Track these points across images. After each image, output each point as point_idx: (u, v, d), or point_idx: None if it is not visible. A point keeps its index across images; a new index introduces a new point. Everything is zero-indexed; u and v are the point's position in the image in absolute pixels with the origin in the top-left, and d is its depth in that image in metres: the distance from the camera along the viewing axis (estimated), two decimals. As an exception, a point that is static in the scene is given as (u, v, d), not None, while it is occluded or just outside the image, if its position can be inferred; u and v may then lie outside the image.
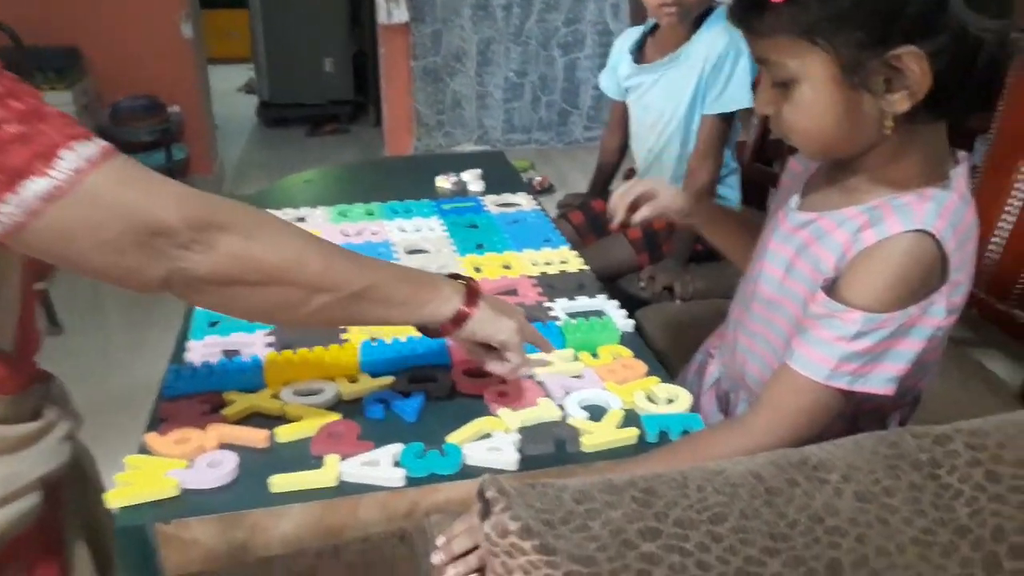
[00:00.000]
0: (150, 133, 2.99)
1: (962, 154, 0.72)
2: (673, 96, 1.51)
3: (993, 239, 1.09)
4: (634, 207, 0.93)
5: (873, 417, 0.79)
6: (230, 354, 0.92)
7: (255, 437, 0.79)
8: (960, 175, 0.71)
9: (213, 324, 0.99)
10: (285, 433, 0.79)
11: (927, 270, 0.68)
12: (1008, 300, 1.07)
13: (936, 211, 0.68)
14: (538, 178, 3.37)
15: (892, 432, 0.63)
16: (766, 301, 0.80)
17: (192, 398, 0.84)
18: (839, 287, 0.70)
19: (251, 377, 0.86)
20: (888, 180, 0.71)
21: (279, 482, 0.73)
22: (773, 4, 0.64)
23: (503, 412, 0.81)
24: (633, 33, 1.61)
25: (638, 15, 2.08)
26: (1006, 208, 1.08)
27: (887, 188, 0.70)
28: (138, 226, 0.59)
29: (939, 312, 0.68)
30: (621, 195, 0.93)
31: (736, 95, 1.44)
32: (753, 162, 1.74)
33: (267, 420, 0.81)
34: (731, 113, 1.47)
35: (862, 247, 0.69)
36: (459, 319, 0.75)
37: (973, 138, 1.97)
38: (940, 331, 0.69)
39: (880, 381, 0.69)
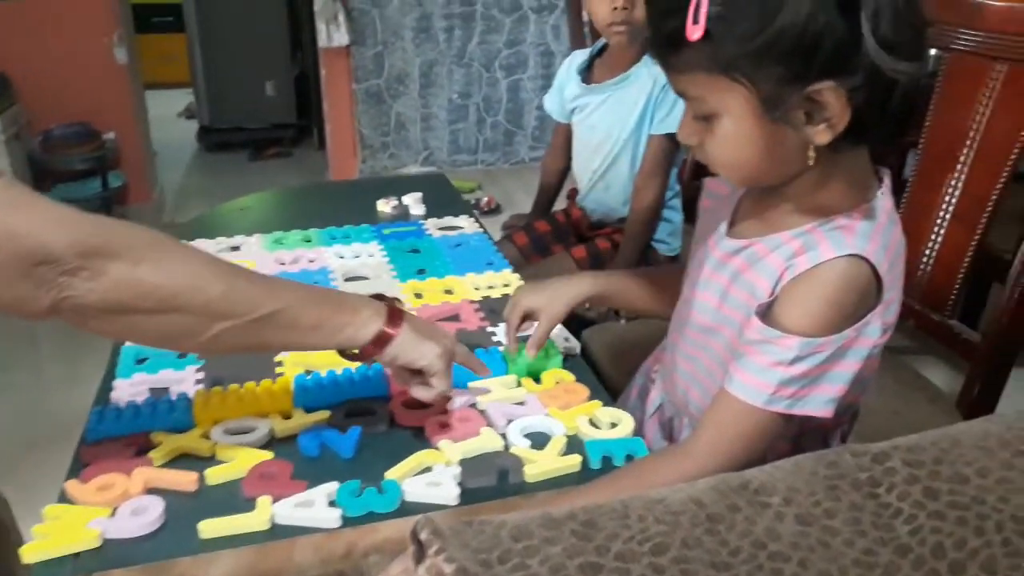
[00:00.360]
0: (84, 161, 2.91)
1: (884, 171, 0.73)
2: (620, 117, 1.51)
3: (925, 252, 1.11)
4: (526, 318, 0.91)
5: (815, 436, 0.79)
6: (158, 392, 0.89)
7: (183, 480, 0.75)
8: (885, 194, 0.72)
9: (141, 361, 0.95)
10: (215, 475, 0.76)
11: (862, 293, 0.68)
12: (943, 311, 1.09)
13: (867, 234, 0.68)
14: (485, 198, 3.36)
15: (832, 451, 0.62)
16: (703, 328, 0.79)
17: (116, 441, 0.80)
18: (774, 313, 0.69)
19: (179, 416, 0.83)
20: (817, 204, 0.71)
21: (208, 527, 0.70)
22: (689, 41, 0.63)
23: (444, 444, 0.79)
24: (581, 55, 1.61)
25: (578, 37, 2.09)
26: (936, 221, 1.10)
27: (817, 212, 0.71)
28: (22, 253, 0.56)
29: (874, 332, 0.69)
30: (507, 331, 0.92)
31: (677, 115, 1.45)
32: (692, 180, 1.75)
33: (196, 462, 0.78)
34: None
35: (796, 272, 0.68)
36: (380, 342, 0.73)
37: (905, 153, 2.03)
38: (876, 349, 0.70)
39: (819, 403, 0.69)
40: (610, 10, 1.38)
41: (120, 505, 0.72)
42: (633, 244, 1.52)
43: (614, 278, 0.96)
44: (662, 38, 0.67)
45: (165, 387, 0.90)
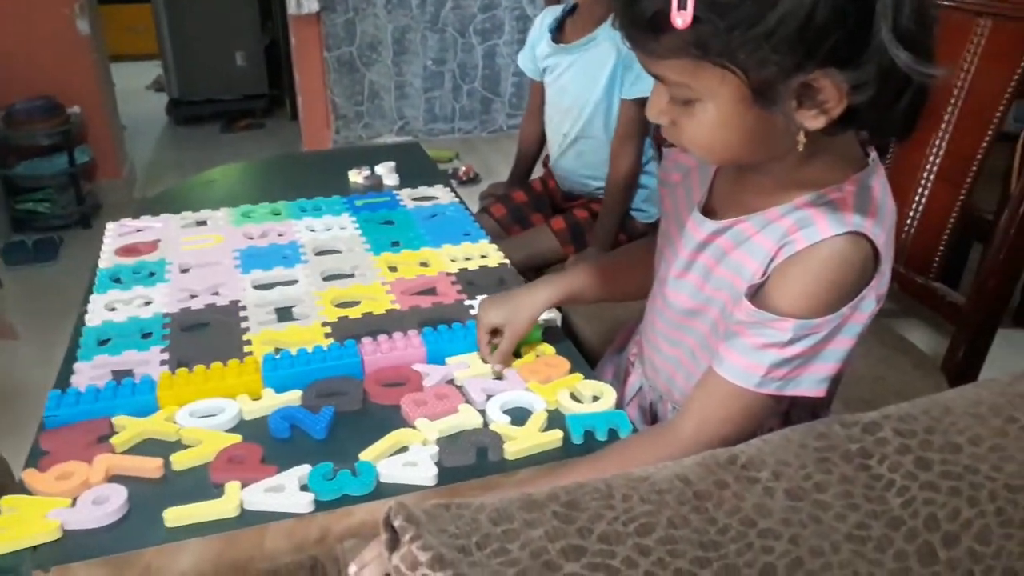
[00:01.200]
0: (49, 136, 2.82)
1: (870, 147, 0.69)
2: (589, 79, 1.47)
3: (910, 213, 1.09)
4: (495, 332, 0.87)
5: (805, 409, 0.77)
6: (120, 375, 0.85)
7: (147, 467, 0.72)
8: (876, 163, 0.68)
9: (103, 343, 0.91)
10: (181, 460, 0.73)
11: (860, 271, 0.64)
12: (927, 274, 1.08)
13: (864, 208, 0.64)
14: (463, 168, 3.31)
15: (821, 423, 0.60)
16: (686, 311, 0.76)
17: (77, 427, 0.77)
18: (768, 294, 0.66)
19: (143, 400, 0.79)
20: (804, 179, 0.66)
21: (174, 515, 0.67)
22: (674, 28, 0.56)
23: (420, 422, 0.76)
24: (554, 11, 1.57)
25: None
26: (921, 181, 1.08)
27: (805, 187, 0.66)
28: None
29: (869, 306, 0.66)
30: (480, 347, 0.87)
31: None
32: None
33: (161, 447, 0.75)
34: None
35: (792, 252, 0.64)
36: None
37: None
38: (867, 325, 0.67)
39: (811, 383, 0.66)
40: None
41: (81, 494, 0.69)
42: (611, 213, 1.49)
43: (577, 277, 0.90)
44: (638, 21, 0.59)
45: (128, 369, 0.86)
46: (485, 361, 0.86)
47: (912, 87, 0.58)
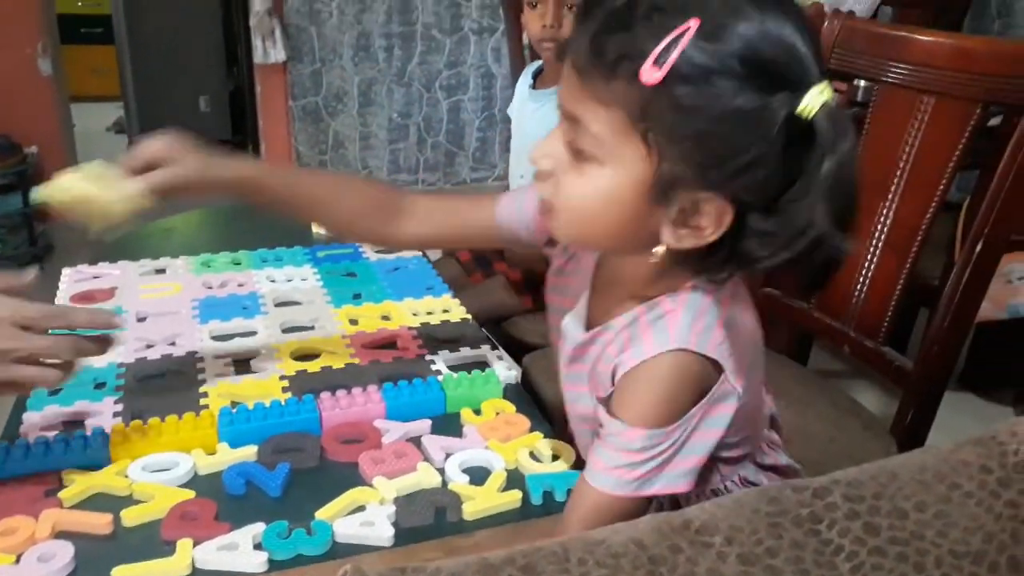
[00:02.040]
0: (4, 176, 2.78)
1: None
2: (548, 125, 1.50)
3: (859, 279, 1.13)
4: (147, 169, 0.77)
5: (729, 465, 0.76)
6: (72, 427, 0.83)
7: (96, 522, 0.70)
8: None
9: (54, 392, 0.89)
10: (131, 516, 0.71)
11: (696, 382, 0.62)
12: (876, 338, 1.11)
13: (688, 323, 0.62)
14: (425, 219, 3.33)
15: (773, 487, 0.62)
16: (582, 417, 0.74)
17: (24, 480, 0.75)
18: (614, 406, 0.65)
19: (95, 453, 0.78)
20: (652, 290, 0.64)
21: (123, 573, 0.65)
22: (636, 80, 0.54)
23: (378, 481, 0.75)
24: (539, 62, 1.63)
25: (517, 59, 2.09)
26: (870, 248, 1.12)
27: (647, 295, 0.65)
28: None
29: (728, 400, 0.64)
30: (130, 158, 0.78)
31: None
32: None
33: (112, 502, 0.73)
34: None
35: (626, 369, 0.63)
36: None
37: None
38: (736, 414, 0.65)
39: (670, 479, 0.64)
40: (540, 27, 1.43)
41: (26, 551, 0.67)
42: None
43: (260, 170, 0.85)
44: (599, 56, 0.56)
45: (80, 420, 0.85)
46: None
47: (816, 258, 0.55)
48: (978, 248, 0.98)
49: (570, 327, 0.72)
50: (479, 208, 0.82)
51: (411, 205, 0.83)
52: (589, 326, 0.70)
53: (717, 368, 0.63)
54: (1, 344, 0.67)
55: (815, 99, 0.53)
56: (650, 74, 0.53)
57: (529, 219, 0.77)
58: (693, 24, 0.52)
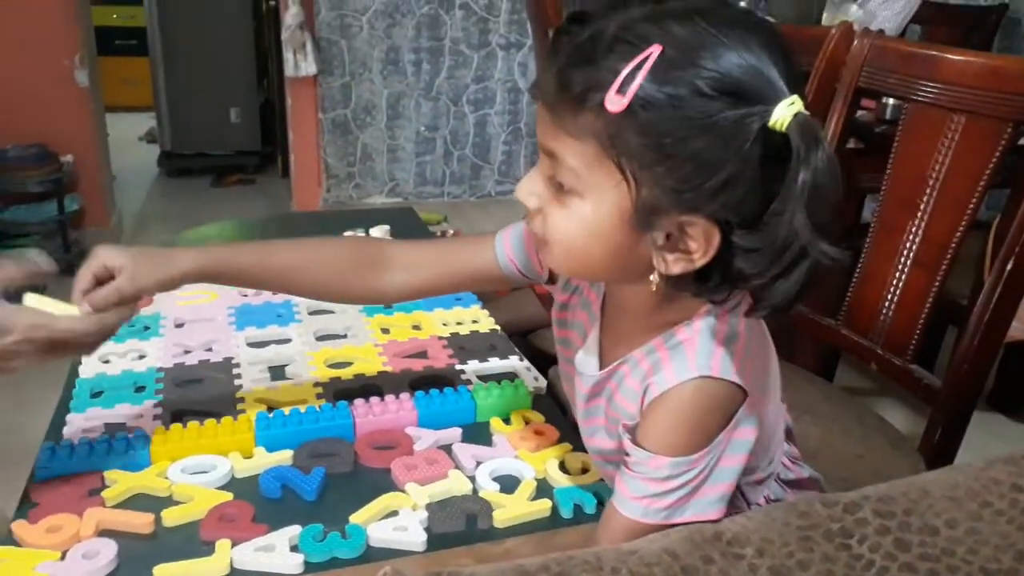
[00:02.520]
0: (40, 184, 2.84)
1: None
2: None
3: (887, 296, 1.13)
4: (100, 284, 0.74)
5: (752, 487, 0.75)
6: (113, 428, 0.85)
7: (138, 522, 0.72)
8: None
9: (96, 395, 0.92)
10: (172, 516, 0.73)
11: (721, 408, 0.63)
12: (904, 356, 1.11)
13: (707, 349, 0.62)
14: (452, 231, 3.36)
15: (803, 501, 0.62)
16: (604, 452, 0.73)
17: (68, 480, 0.77)
18: (640, 435, 0.65)
19: (136, 454, 0.80)
20: (662, 319, 0.65)
21: (164, 572, 0.67)
22: (603, 110, 0.54)
23: (411, 487, 0.77)
24: None
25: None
26: (898, 266, 1.12)
27: (662, 326, 0.65)
28: None
29: (749, 423, 0.64)
30: (77, 285, 0.75)
31: None
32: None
33: (153, 502, 0.75)
34: None
35: (651, 398, 0.63)
36: None
37: (863, 198, 2.08)
38: (765, 429, 0.66)
39: (701, 507, 0.64)
40: None
41: (70, 548, 0.69)
42: None
43: (222, 253, 0.79)
44: (565, 90, 0.56)
45: (122, 422, 0.87)
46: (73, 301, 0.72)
47: (804, 265, 0.55)
48: (1008, 267, 0.97)
49: (584, 364, 0.72)
50: (477, 250, 0.80)
51: (396, 257, 0.80)
52: (602, 360, 0.70)
53: (741, 392, 0.63)
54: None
55: (785, 112, 0.53)
56: (614, 102, 0.54)
57: (529, 255, 0.77)
58: (655, 51, 0.53)
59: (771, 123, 0.53)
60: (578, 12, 0.59)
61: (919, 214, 1.10)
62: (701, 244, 0.57)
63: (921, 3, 2.39)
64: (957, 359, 1.03)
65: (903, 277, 1.12)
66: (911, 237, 1.11)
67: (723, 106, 0.53)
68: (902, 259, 1.12)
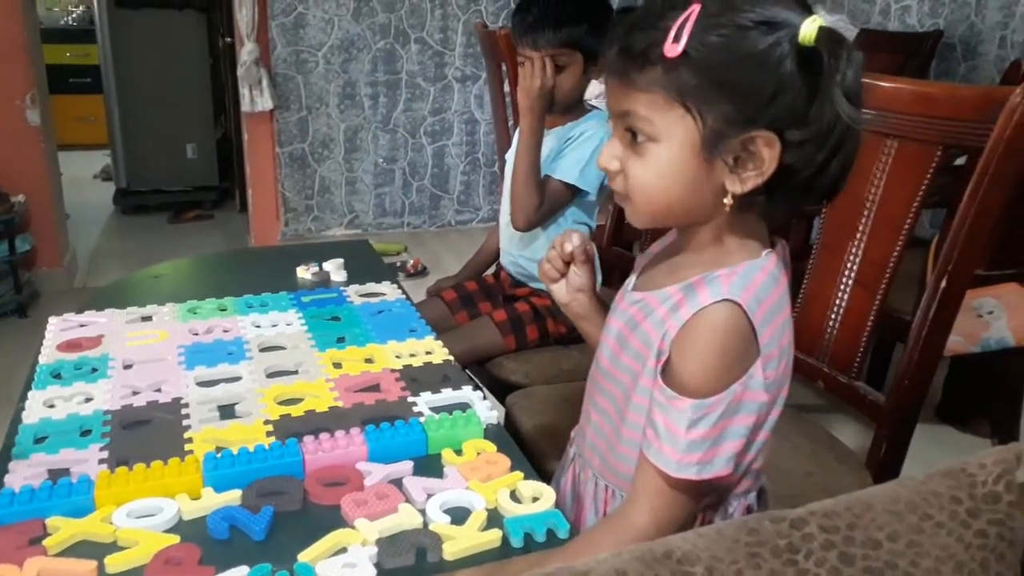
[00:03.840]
0: (-10, 225, 2.79)
1: (780, 240, 0.76)
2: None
3: (831, 315, 1.16)
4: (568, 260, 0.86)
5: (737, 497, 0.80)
6: (56, 474, 0.84)
7: (80, 570, 0.71)
8: (770, 256, 0.73)
9: (40, 440, 0.90)
10: (116, 563, 0.72)
11: (743, 338, 0.69)
12: (849, 373, 1.13)
13: (742, 284, 0.70)
14: (411, 260, 3.36)
15: (753, 518, 0.63)
16: (605, 372, 0.82)
17: (9, 528, 0.75)
18: (672, 368, 0.72)
19: (79, 500, 0.78)
20: (707, 259, 0.73)
21: (107, 621, 0.66)
22: (665, 59, 0.65)
23: (360, 523, 0.76)
24: None
25: (500, 107, 2.14)
26: (840, 286, 1.15)
27: (705, 266, 0.73)
28: None
29: (758, 385, 0.70)
30: (561, 248, 0.85)
31: (567, 165, 1.48)
32: (611, 246, 1.79)
33: (97, 548, 0.74)
34: (574, 185, 1.49)
35: (680, 324, 0.71)
36: None
37: (812, 220, 2.13)
38: (764, 407, 0.71)
39: (721, 464, 0.70)
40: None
41: (9, 600, 0.67)
42: None
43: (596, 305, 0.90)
44: (630, 51, 0.67)
45: (66, 468, 0.85)
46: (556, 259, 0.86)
47: (844, 149, 0.66)
48: (943, 284, 1.01)
49: (626, 290, 0.82)
50: None
51: None
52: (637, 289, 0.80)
53: (755, 344, 0.70)
54: None
55: (810, 27, 0.63)
56: (672, 49, 0.65)
57: None
58: (696, 7, 0.65)
59: (801, 38, 0.64)
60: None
61: (858, 235, 1.13)
62: (764, 154, 0.66)
63: (859, 31, 2.48)
64: (898, 374, 1.05)
65: (845, 297, 1.15)
66: (851, 258, 1.14)
67: (759, 35, 0.64)
68: (844, 279, 1.15)
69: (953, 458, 0.64)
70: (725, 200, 0.69)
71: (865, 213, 1.12)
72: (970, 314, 1.70)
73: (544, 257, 0.88)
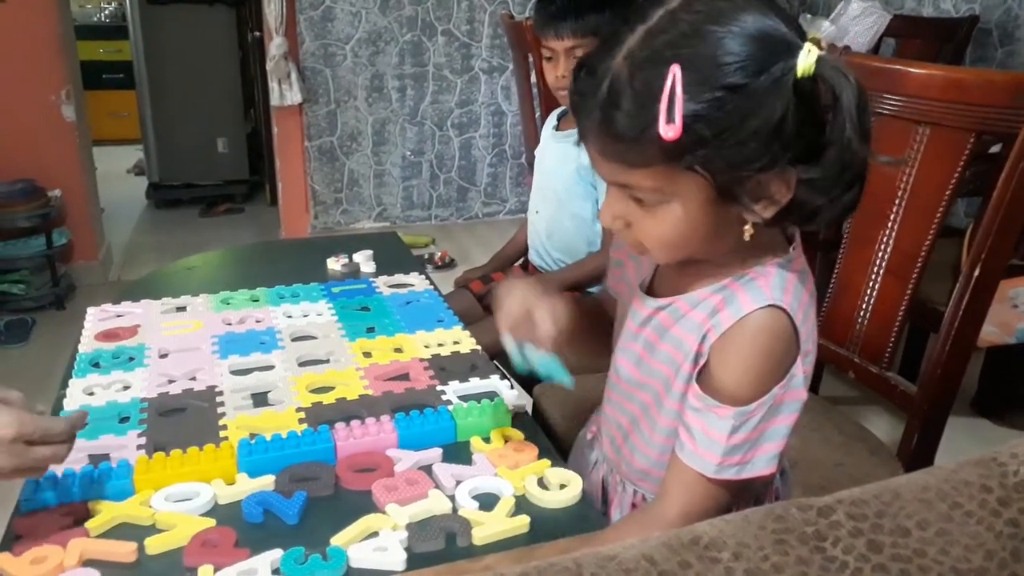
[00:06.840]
0: (28, 219, 2.85)
1: (794, 229, 0.75)
2: (563, 167, 1.56)
3: (862, 306, 1.15)
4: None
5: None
6: (97, 459, 0.86)
7: (121, 551, 0.73)
8: (796, 249, 0.73)
9: (81, 427, 0.92)
10: (155, 544, 0.74)
11: (786, 343, 0.69)
12: (880, 363, 1.12)
13: (781, 286, 0.69)
14: (439, 253, 3.38)
15: (779, 505, 0.63)
16: (631, 380, 0.81)
17: (53, 511, 0.78)
18: (712, 374, 0.70)
19: (119, 484, 0.80)
20: (734, 259, 0.72)
21: (147, 600, 0.67)
22: (659, 138, 0.60)
23: (391, 508, 0.78)
24: (562, 108, 1.69)
25: (527, 97, 2.15)
26: (871, 276, 1.14)
27: (733, 268, 0.72)
28: None
29: (799, 383, 0.70)
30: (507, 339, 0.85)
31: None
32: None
33: (136, 531, 0.76)
34: None
35: (722, 330, 0.70)
36: None
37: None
38: (803, 404, 0.71)
39: (762, 464, 0.70)
40: (554, 78, 1.48)
41: (54, 579, 0.69)
42: (576, 267, 1.55)
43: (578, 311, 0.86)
44: (616, 135, 0.63)
45: (105, 453, 0.88)
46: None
47: (859, 181, 0.64)
48: (976, 274, 0.99)
49: (639, 299, 0.79)
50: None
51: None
52: (656, 295, 0.78)
53: (796, 343, 0.69)
54: (10, 461, 0.70)
55: (806, 59, 0.60)
56: (668, 131, 0.60)
57: None
58: (676, 70, 0.59)
59: (800, 71, 0.60)
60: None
61: (889, 225, 1.12)
62: (782, 186, 0.64)
63: (893, 17, 2.44)
64: (931, 365, 1.04)
65: (876, 287, 1.14)
66: (883, 247, 1.13)
67: (755, 82, 0.60)
68: (875, 269, 1.14)
69: (987, 451, 0.63)
70: (746, 228, 0.67)
71: (896, 202, 1.11)
72: (1005, 304, 1.68)
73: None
